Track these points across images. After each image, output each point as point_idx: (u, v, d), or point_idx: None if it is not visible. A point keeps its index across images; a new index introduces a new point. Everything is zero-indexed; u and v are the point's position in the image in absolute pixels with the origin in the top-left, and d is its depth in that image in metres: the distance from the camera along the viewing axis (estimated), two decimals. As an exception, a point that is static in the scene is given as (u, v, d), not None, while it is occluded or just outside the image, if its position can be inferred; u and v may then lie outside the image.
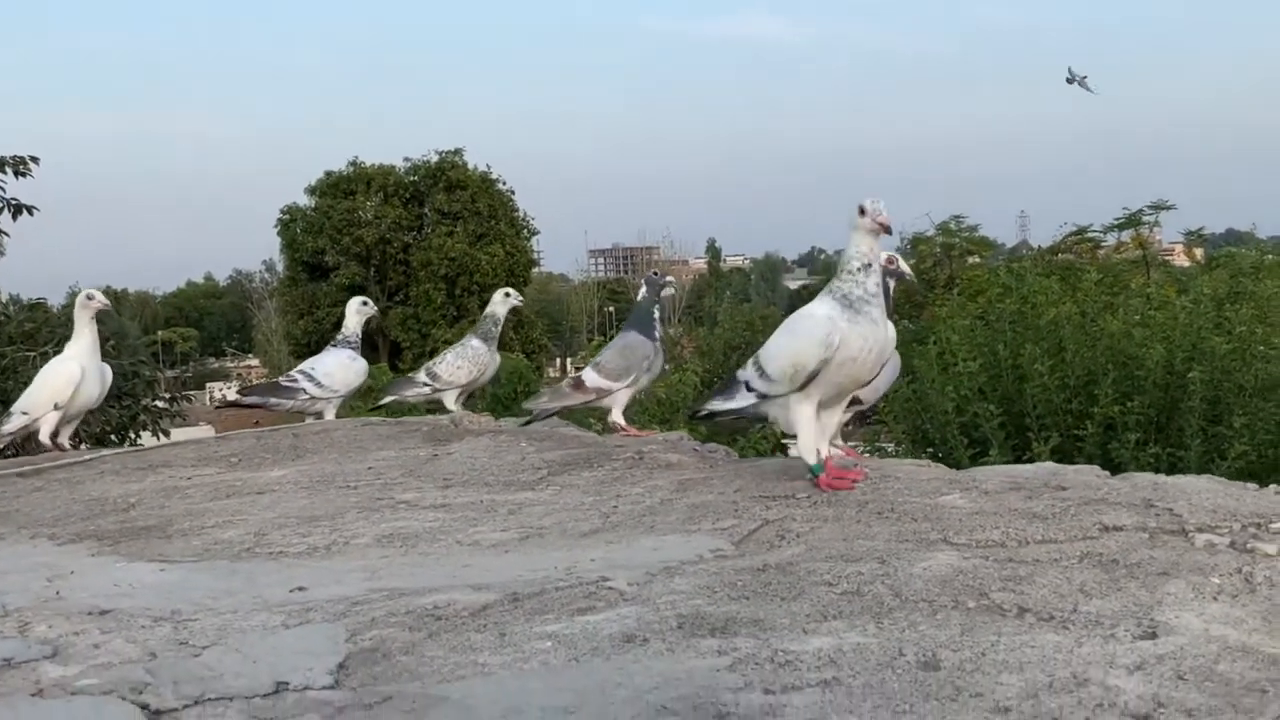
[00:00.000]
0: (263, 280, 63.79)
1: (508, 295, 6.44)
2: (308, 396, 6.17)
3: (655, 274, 5.52)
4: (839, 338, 3.36)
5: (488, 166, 36.84)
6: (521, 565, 2.53)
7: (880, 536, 2.70)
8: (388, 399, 6.48)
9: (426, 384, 6.12)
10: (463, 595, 2.28)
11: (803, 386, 3.40)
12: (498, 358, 6.32)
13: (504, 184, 36.76)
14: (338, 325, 6.76)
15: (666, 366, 5.51)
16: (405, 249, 35.72)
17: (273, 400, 6.26)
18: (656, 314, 5.37)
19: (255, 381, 36.70)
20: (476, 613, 2.18)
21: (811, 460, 3.45)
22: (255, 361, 54.24)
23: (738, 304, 41.52)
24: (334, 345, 6.40)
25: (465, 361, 6.08)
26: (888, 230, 3.46)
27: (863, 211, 3.41)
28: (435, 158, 36.51)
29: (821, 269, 69.50)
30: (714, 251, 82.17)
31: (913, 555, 2.49)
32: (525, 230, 37.05)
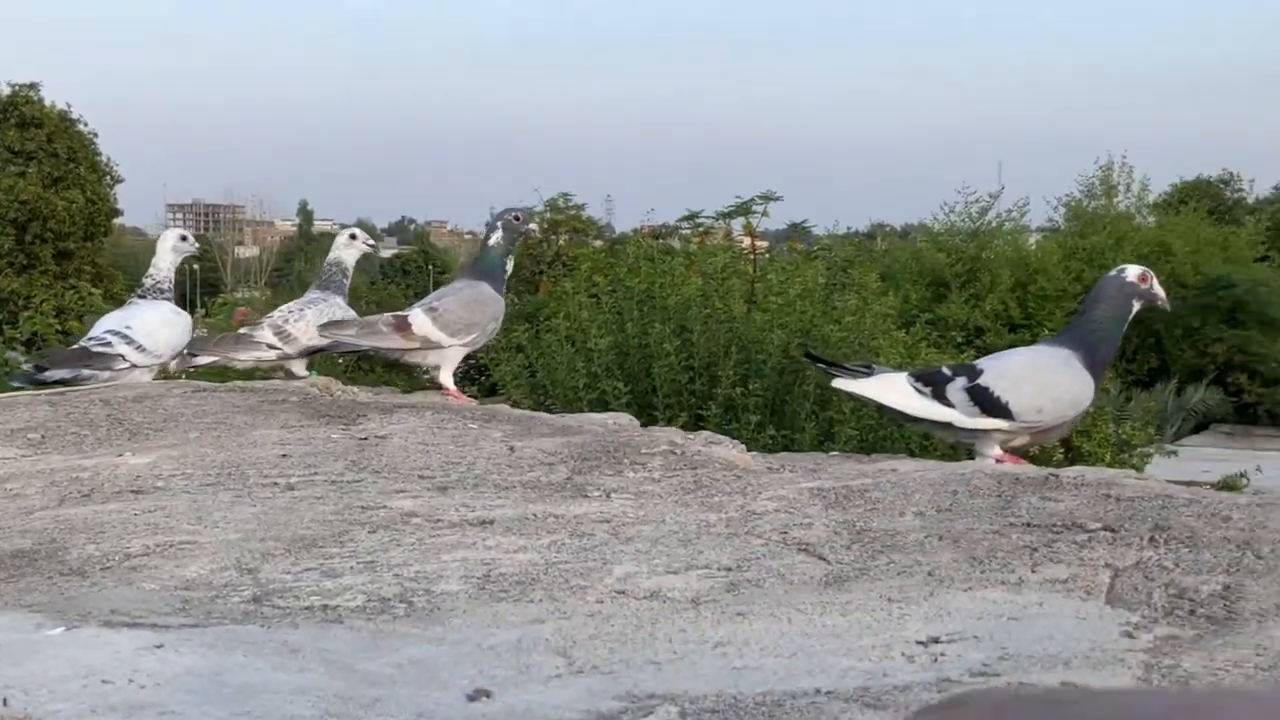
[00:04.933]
0: None
1: (354, 238, 5.25)
2: (126, 365, 4.80)
3: (516, 217, 4.75)
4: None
5: (68, 105, 34.22)
6: (830, 647, 1.78)
7: None
8: (207, 359, 5.05)
9: (273, 346, 4.84)
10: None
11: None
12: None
13: (85, 125, 34.34)
14: None
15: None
16: (-34, 189, 32.67)
17: (86, 372, 4.77)
18: (509, 265, 4.72)
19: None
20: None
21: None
22: None
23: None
24: (143, 295, 5.06)
25: None
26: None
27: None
28: (6, 90, 33.60)
29: (414, 239, 68.94)
30: (306, 214, 79.73)
31: None
32: (109, 177, 34.76)
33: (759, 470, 2.97)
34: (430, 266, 50.49)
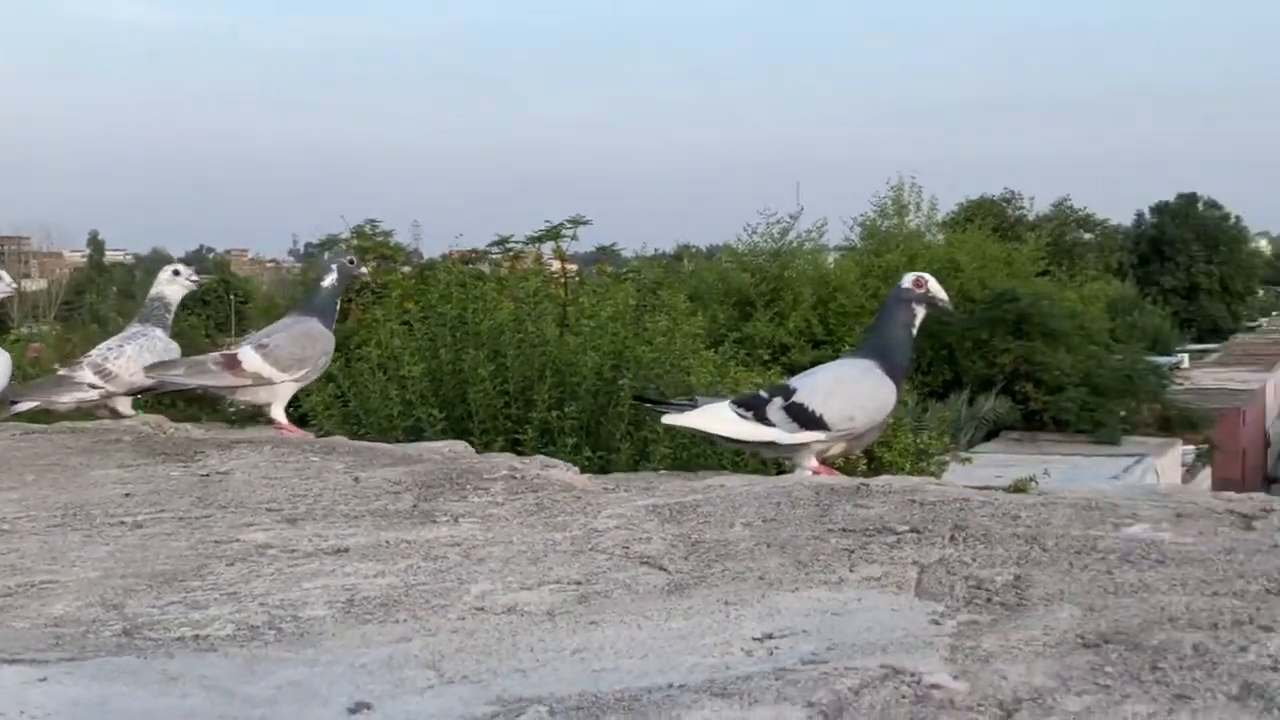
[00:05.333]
0: None
1: (177, 274, 5.23)
2: None
3: (351, 261, 4.96)
4: None
5: None
6: (677, 647, 1.95)
7: (1160, 587, 2.08)
8: (28, 405, 4.86)
9: (96, 385, 4.77)
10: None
11: None
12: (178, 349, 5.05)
13: None
14: None
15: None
16: None
17: None
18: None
19: None
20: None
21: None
22: None
23: (124, 301, 39.67)
24: None
25: (154, 357, 4.74)
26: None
27: None
28: None
29: (213, 268, 67.18)
30: (96, 245, 76.90)
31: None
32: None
33: (596, 490, 3.15)
34: (231, 296, 49.25)
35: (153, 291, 5.21)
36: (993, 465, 18.20)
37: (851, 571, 2.27)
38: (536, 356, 8.19)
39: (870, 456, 11.04)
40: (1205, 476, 26.58)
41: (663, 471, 3.87)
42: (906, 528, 2.52)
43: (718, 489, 3.03)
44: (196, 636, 2.13)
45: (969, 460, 16.06)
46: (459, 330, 8.61)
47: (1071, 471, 19.19)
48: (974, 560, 2.28)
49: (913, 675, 1.72)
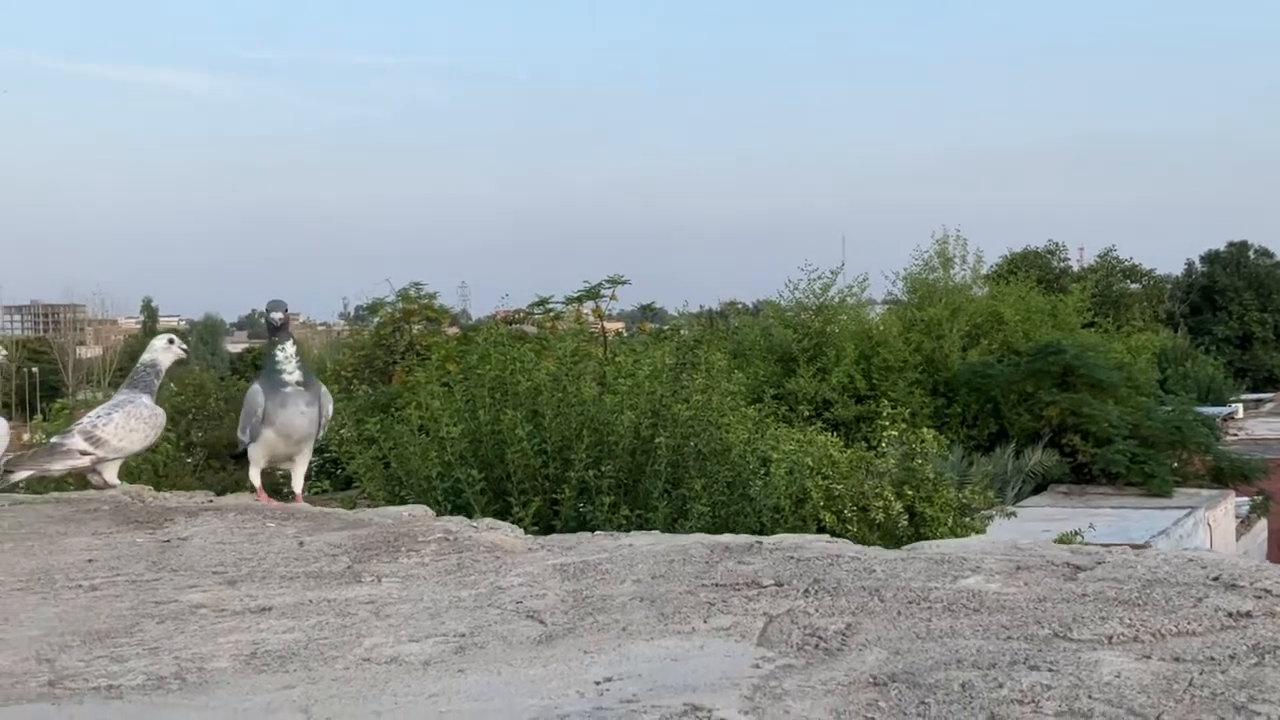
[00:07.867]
0: None
1: (171, 343, 5.53)
2: None
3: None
4: None
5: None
6: (524, 691, 2.18)
7: (965, 632, 2.31)
8: (23, 474, 5.02)
9: (86, 451, 4.97)
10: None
11: None
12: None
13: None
14: None
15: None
16: None
17: None
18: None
19: None
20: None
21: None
22: None
23: (174, 366, 40.43)
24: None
25: (139, 423, 5.03)
26: None
27: None
28: None
29: (264, 332, 68.24)
30: (150, 311, 78.54)
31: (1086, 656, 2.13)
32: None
33: (520, 550, 3.41)
34: (284, 361, 49.59)
35: (145, 357, 5.45)
36: (1040, 519, 18.06)
37: (705, 622, 2.50)
38: (574, 416, 8.38)
39: (911, 513, 11.07)
40: (1261, 528, 26.19)
41: (599, 533, 4.09)
42: (772, 582, 2.74)
43: (626, 548, 3.27)
44: (110, 686, 2.40)
45: (1013, 514, 15.95)
46: (498, 391, 8.83)
47: (1120, 525, 18.99)
48: (817, 610, 2.50)
49: (708, 711, 1.95)
